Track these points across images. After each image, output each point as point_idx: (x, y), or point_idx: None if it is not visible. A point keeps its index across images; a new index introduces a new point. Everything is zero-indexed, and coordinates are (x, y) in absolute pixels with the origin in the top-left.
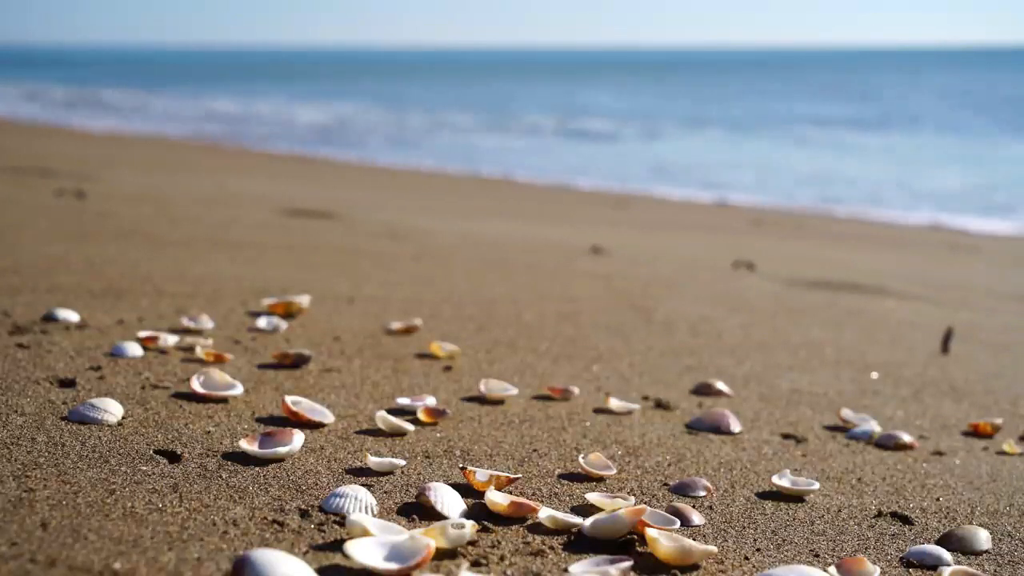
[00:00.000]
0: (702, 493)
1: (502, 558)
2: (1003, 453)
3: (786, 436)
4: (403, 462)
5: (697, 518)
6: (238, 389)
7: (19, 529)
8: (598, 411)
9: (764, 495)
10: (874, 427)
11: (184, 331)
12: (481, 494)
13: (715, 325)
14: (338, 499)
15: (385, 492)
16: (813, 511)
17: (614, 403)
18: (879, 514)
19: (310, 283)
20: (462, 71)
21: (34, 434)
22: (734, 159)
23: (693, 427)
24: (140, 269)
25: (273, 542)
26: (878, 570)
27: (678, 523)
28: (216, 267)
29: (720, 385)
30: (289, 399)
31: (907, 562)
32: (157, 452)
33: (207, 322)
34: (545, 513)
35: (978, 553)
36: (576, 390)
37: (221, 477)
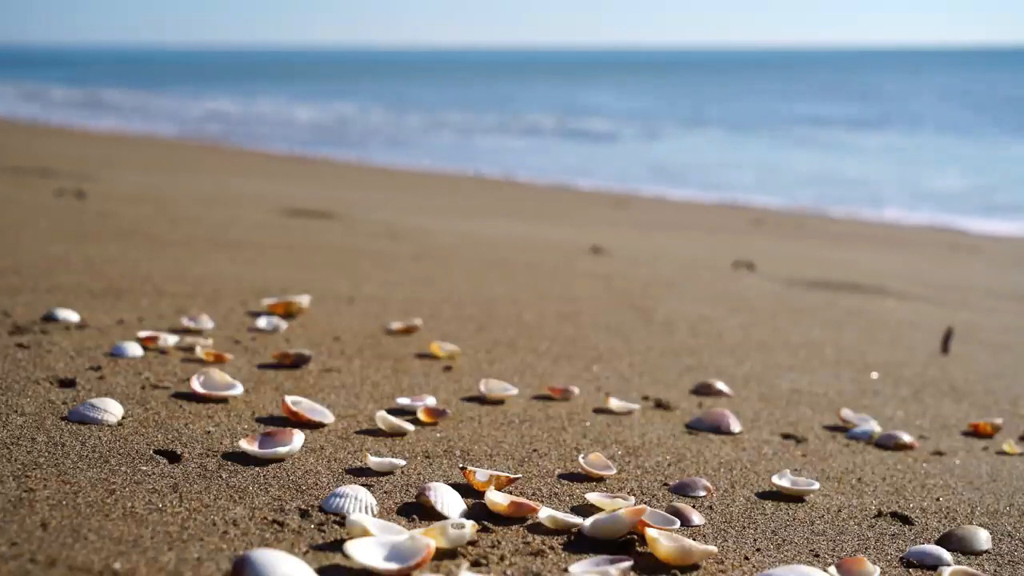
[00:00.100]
0: (702, 493)
1: (502, 558)
2: (1003, 453)
3: (786, 436)
4: (403, 462)
5: (697, 518)
6: (238, 389)
7: (19, 529)
8: (598, 411)
9: (764, 495)
10: (874, 427)
11: (184, 331)
12: (481, 494)
13: (715, 325)
14: (338, 499)
15: (385, 492)
16: (813, 511)
17: (614, 403)
18: (879, 514)
19: (310, 283)
20: (462, 71)
21: (34, 434)
22: (734, 159)
23: (693, 427)
24: (140, 269)
25: (273, 542)
26: (878, 570)
27: (678, 523)
28: (216, 267)
29: (720, 385)
30: (289, 399)
31: (907, 562)
32: (157, 452)
33: (207, 322)
34: (545, 513)
35: (978, 553)
36: (576, 390)
37: (221, 477)
